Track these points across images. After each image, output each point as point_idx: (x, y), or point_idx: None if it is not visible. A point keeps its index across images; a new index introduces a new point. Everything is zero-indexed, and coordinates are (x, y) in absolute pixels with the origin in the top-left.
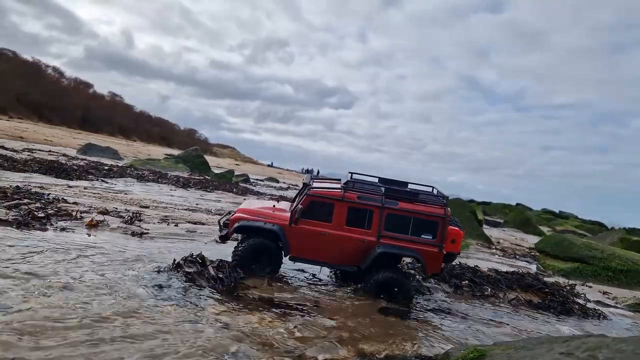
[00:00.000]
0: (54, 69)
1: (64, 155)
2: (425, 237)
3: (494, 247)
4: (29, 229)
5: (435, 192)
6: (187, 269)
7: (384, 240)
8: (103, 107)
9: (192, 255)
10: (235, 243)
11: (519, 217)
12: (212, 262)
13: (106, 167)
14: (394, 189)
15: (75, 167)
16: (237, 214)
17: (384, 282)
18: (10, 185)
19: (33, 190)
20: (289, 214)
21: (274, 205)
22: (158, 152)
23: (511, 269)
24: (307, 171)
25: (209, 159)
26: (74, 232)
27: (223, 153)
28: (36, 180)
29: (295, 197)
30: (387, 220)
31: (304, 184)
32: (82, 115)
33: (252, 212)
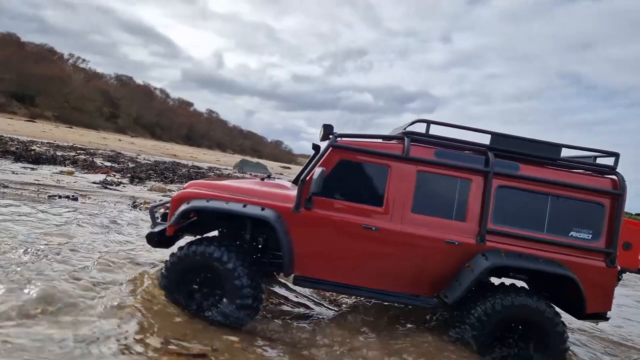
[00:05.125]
0: (161, 90)
1: (246, 173)
2: (578, 235)
3: None
4: None
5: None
6: None
7: (493, 242)
8: (202, 123)
9: None
10: None
11: None
12: None
13: None
14: (510, 139)
15: None
16: (187, 190)
17: (508, 320)
18: None
19: None
20: (291, 192)
21: (262, 179)
22: (273, 165)
23: None
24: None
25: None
26: None
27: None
28: None
29: (302, 171)
30: (499, 202)
31: (315, 146)
32: (186, 133)
33: (218, 187)
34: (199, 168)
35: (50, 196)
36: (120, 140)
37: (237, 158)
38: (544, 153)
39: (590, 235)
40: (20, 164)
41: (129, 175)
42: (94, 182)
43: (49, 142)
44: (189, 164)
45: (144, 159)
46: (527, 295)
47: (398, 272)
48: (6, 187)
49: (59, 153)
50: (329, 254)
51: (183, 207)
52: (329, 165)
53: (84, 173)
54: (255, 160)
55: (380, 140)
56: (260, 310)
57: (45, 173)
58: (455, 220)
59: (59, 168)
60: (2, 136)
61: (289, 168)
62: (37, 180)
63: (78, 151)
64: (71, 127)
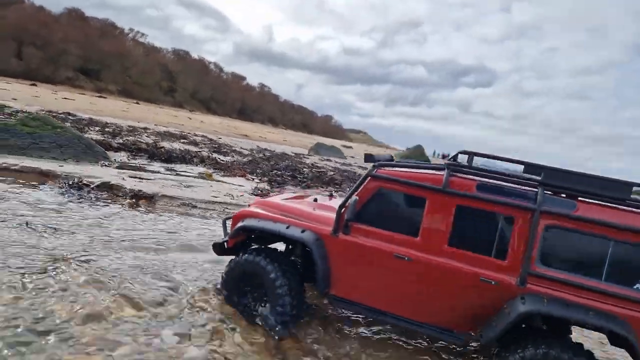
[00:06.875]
0: (215, 65)
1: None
2: None
3: None
4: None
5: None
6: None
7: (535, 285)
8: (254, 98)
9: None
10: None
11: None
12: None
13: None
14: (565, 173)
15: None
16: (248, 208)
17: None
18: None
19: None
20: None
21: (315, 200)
22: (335, 144)
23: None
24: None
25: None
26: None
27: (358, 138)
28: None
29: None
30: (547, 242)
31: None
32: (239, 107)
33: (275, 207)
34: (316, 167)
35: None
36: (190, 118)
37: (298, 136)
38: (610, 192)
39: None
40: (157, 164)
41: (265, 179)
42: (252, 194)
43: (144, 127)
44: (276, 149)
45: (241, 147)
46: (563, 350)
47: (430, 305)
48: (195, 207)
49: (177, 146)
50: (363, 279)
51: (239, 224)
52: (367, 194)
53: (221, 176)
54: (329, 143)
55: (420, 171)
56: (302, 319)
57: (196, 180)
58: (494, 258)
59: (193, 168)
60: (101, 121)
61: (350, 147)
62: (214, 197)
63: (181, 140)
64: (138, 103)
